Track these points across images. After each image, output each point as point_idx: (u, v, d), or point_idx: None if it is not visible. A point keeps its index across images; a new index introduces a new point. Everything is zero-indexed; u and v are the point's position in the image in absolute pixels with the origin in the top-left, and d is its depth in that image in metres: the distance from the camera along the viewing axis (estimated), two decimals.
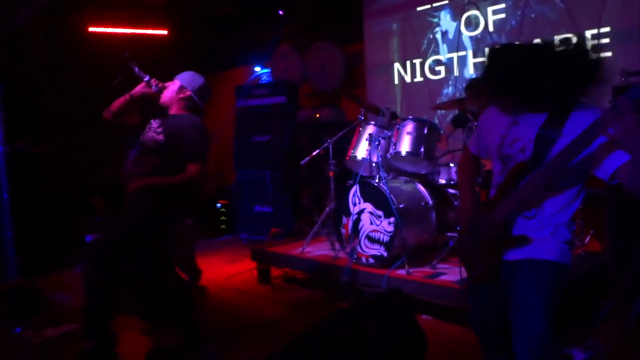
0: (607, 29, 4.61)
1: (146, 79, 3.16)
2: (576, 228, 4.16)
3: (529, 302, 2.00)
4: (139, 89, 3.17)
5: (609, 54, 4.59)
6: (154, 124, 3.12)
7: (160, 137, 3.04)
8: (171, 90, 3.18)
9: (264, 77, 7.43)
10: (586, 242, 4.19)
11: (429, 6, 5.84)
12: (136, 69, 3.13)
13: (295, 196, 6.28)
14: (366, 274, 3.95)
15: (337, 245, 4.42)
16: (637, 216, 3.40)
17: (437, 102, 5.45)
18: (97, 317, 2.92)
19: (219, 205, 7.20)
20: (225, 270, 5.33)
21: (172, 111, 3.19)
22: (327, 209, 4.66)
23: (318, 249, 4.68)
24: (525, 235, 2.04)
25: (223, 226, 7.18)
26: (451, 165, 4.08)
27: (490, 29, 5.37)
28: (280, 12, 6.66)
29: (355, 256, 4.07)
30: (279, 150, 6.34)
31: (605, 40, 4.62)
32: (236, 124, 6.69)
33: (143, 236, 3.02)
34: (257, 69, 7.76)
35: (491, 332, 2.33)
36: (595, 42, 4.65)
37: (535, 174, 1.97)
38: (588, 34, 4.72)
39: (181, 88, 3.17)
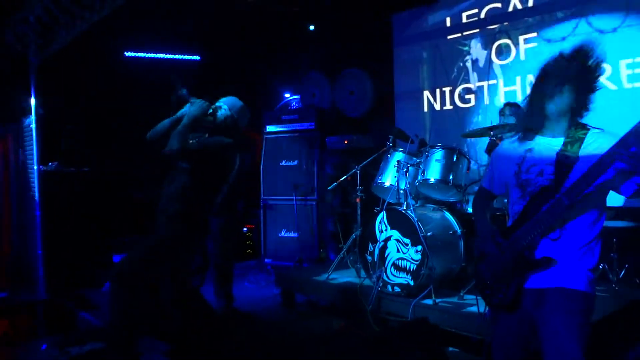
0: None
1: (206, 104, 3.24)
2: (610, 262, 4.07)
3: (559, 328, 1.98)
4: (194, 111, 3.16)
5: None
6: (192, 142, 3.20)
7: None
8: (215, 112, 3.32)
9: (294, 103, 7.52)
10: (621, 276, 4.07)
11: (459, 34, 5.86)
12: (184, 92, 3.21)
13: (321, 222, 6.28)
14: (392, 302, 3.91)
15: (362, 273, 4.39)
16: None
17: (467, 130, 5.42)
18: (122, 337, 2.95)
19: (245, 229, 7.24)
20: (249, 294, 5.33)
21: (208, 131, 3.29)
22: (353, 235, 4.65)
23: (343, 276, 4.65)
24: (549, 258, 2.03)
25: (249, 250, 7.21)
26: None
27: (522, 57, 5.35)
28: (311, 28, 6.73)
29: (381, 284, 4.03)
30: (306, 176, 6.38)
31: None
32: (264, 148, 6.77)
33: (170, 254, 3.08)
34: (287, 95, 7.87)
35: None
36: (631, 71, 4.61)
37: (558, 197, 1.97)
38: (623, 63, 4.67)
39: (224, 110, 3.35)
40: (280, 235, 6.56)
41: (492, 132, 3.99)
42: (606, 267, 4.03)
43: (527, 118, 2.20)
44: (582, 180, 1.93)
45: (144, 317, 3.15)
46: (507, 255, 2.15)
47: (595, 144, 2.00)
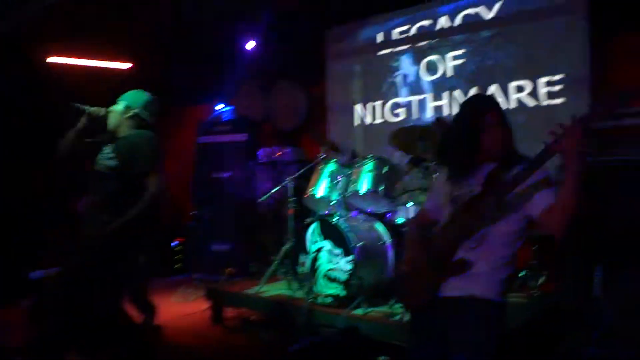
0: (559, 77, 4.82)
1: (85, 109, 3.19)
2: (531, 269, 4.25)
3: (468, 339, 2.05)
4: (82, 121, 3.19)
5: (561, 100, 4.80)
6: (105, 150, 3.12)
7: (112, 161, 3.05)
8: (116, 112, 3.23)
9: (227, 115, 7.44)
10: (540, 283, 4.25)
11: (390, 50, 6.01)
12: (76, 105, 3.16)
13: (253, 235, 6.20)
14: (323, 313, 3.90)
15: (294, 285, 4.37)
16: (589, 259, 3.50)
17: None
18: (49, 354, 2.81)
19: (174, 243, 7.05)
20: (177, 310, 5.18)
21: (119, 132, 3.21)
22: (285, 247, 4.62)
23: (274, 289, 4.60)
24: (465, 259, 2.10)
25: (178, 265, 7.02)
26: (409, 204, 4.12)
27: (449, 73, 5.55)
28: (247, 47, 6.72)
29: (312, 295, 4.01)
30: (239, 188, 6.30)
31: (559, 87, 4.83)
32: (196, 159, 6.64)
33: (101, 269, 2.95)
34: (220, 106, 7.77)
35: None
36: (549, 89, 4.88)
37: (480, 204, 2.05)
38: (541, 81, 4.94)
39: (127, 108, 3.21)
40: (211, 248, 6.42)
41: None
42: (527, 274, 4.21)
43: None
44: (504, 187, 2.03)
45: (71, 334, 3.01)
46: (428, 259, 2.21)
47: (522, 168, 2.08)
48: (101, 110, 3.24)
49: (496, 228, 2.11)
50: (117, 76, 6.66)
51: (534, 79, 4.99)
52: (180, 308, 5.26)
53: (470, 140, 2.16)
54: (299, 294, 4.23)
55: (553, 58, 4.87)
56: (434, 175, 3.89)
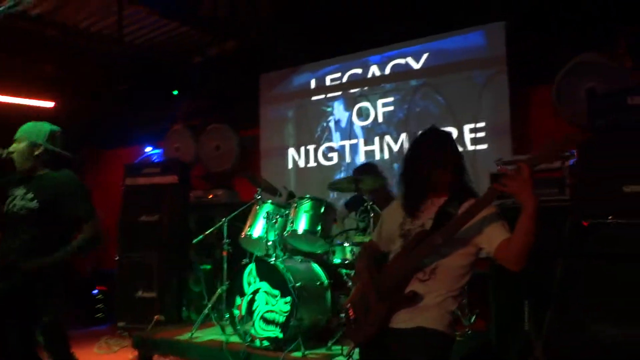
0: (482, 124, 5.14)
1: None
2: (462, 308, 4.37)
3: None
4: None
5: (485, 146, 5.10)
6: (19, 192, 2.92)
7: (33, 203, 2.86)
8: (21, 151, 3.00)
9: (156, 157, 7.29)
10: (472, 321, 4.38)
11: (323, 96, 6.18)
12: None
13: (184, 280, 6.00)
14: (261, 357, 3.80)
15: (229, 329, 4.24)
16: (518, 295, 3.67)
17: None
18: None
19: (95, 291, 6.68)
20: None
21: (32, 172, 3.01)
22: (219, 290, 4.50)
23: (208, 334, 4.43)
24: (415, 292, 2.14)
25: (100, 314, 6.64)
26: (346, 244, 4.16)
27: (380, 119, 5.77)
28: (175, 93, 6.70)
29: (249, 339, 3.91)
30: (168, 232, 6.09)
31: (482, 134, 5.13)
32: (123, 202, 6.39)
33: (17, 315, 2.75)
34: (149, 149, 7.61)
35: None
36: (473, 135, 5.17)
37: (431, 238, 2.12)
38: (466, 128, 5.23)
39: (31, 145, 3.01)
40: (137, 295, 6.12)
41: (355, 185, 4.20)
42: (459, 312, 4.32)
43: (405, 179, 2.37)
44: (453, 223, 2.11)
45: None
46: (378, 291, 2.24)
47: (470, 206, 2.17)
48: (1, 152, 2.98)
49: (446, 262, 2.19)
50: (42, 114, 6.39)
51: (459, 126, 5.28)
52: (104, 359, 4.94)
53: (424, 175, 2.23)
54: (235, 338, 4.11)
55: (476, 107, 5.20)
56: (372, 214, 3.98)
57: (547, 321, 3.22)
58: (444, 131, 2.39)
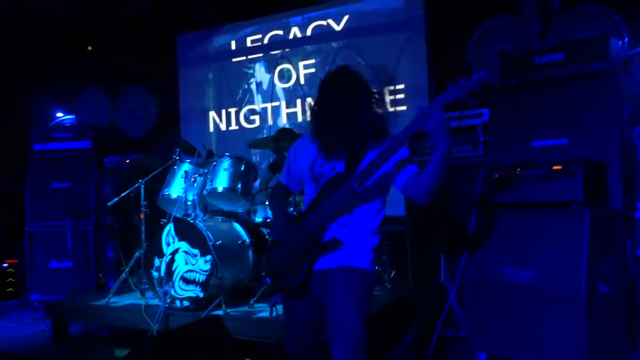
0: (401, 86, 5.23)
1: None
2: (382, 264, 4.49)
3: (344, 301, 2.12)
4: None
5: (404, 107, 5.20)
6: None
7: None
8: None
9: (68, 121, 6.87)
10: (392, 275, 4.51)
11: (244, 58, 6.06)
12: None
13: (100, 248, 5.75)
14: (181, 318, 3.72)
15: (148, 294, 4.13)
16: (434, 250, 3.79)
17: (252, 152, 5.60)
18: None
19: (5, 265, 6.30)
20: (13, 334, 4.61)
21: None
22: (137, 254, 4.36)
23: (126, 299, 4.31)
24: (337, 238, 2.16)
25: (10, 289, 6.27)
26: (267, 203, 4.14)
27: (302, 81, 5.73)
28: (89, 48, 6.34)
29: (169, 300, 3.83)
30: (82, 199, 5.81)
31: (401, 96, 5.22)
32: (30, 169, 6.00)
33: None
34: (60, 114, 7.16)
35: (307, 356, 2.35)
36: (393, 97, 5.25)
37: (348, 181, 2.12)
38: (386, 89, 5.30)
39: None
40: (50, 266, 5.81)
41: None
42: (379, 269, 4.43)
43: (317, 120, 2.33)
44: (369, 166, 2.11)
45: None
46: (299, 240, 2.23)
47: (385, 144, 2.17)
48: None
49: (364, 203, 2.22)
50: None
51: (379, 89, 5.33)
52: (16, 332, 4.69)
53: (341, 116, 2.19)
54: (155, 301, 4.01)
55: (395, 69, 5.27)
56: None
57: (460, 270, 3.35)
58: (354, 71, 2.32)
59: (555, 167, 2.96)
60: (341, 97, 2.19)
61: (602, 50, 3.17)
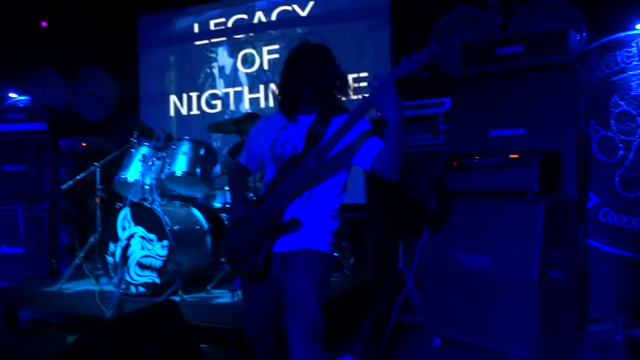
0: (365, 74, 5.22)
1: None
2: (342, 251, 4.50)
3: (302, 284, 2.10)
4: None
5: (367, 95, 5.18)
6: None
7: None
8: None
9: (21, 102, 6.62)
10: (351, 262, 4.53)
11: (207, 41, 5.95)
12: None
13: (53, 233, 5.58)
14: (136, 304, 3.65)
15: (103, 280, 4.04)
16: (393, 236, 3.82)
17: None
18: None
19: None
20: None
21: None
22: (92, 239, 4.24)
23: (80, 285, 4.20)
24: (296, 218, 2.14)
25: None
26: (227, 188, 4.08)
27: (266, 67, 5.67)
28: (44, 24, 6.10)
29: (124, 286, 3.74)
30: (35, 182, 5.62)
31: (364, 84, 5.22)
32: None
33: None
34: (13, 95, 6.89)
35: (267, 340, 2.33)
36: (357, 85, 5.24)
37: (304, 162, 2.10)
38: (350, 77, 5.27)
39: None
40: (0, 252, 5.63)
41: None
42: (339, 255, 4.44)
43: (281, 98, 2.30)
44: (326, 143, 2.09)
45: None
46: (258, 221, 2.20)
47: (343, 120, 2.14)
48: None
49: (322, 184, 2.19)
50: None
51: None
52: None
53: (292, 93, 2.19)
54: (110, 287, 3.91)
55: (359, 56, 5.26)
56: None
57: (418, 256, 3.39)
58: (312, 45, 2.30)
59: (512, 156, 3.00)
60: (312, 61, 2.19)
61: (561, 43, 3.22)
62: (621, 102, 3.61)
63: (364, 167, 2.20)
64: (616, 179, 3.57)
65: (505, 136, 3.41)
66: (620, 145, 3.57)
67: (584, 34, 3.98)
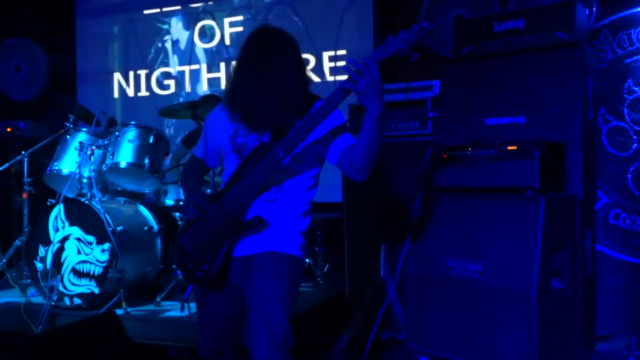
0: (343, 52, 5.25)
1: None
2: (315, 257, 4.52)
3: (268, 292, 2.10)
4: None
5: (346, 76, 5.20)
6: None
7: None
8: None
9: None
10: (325, 269, 4.56)
11: (158, 10, 5.91)
12: None
13: None
14: (70, 318, 3.62)
15: (31, 291, 4.01)
16: (374, 240, 3.85)
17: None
18: None
19: None
20: None
21: None
22: (18, 241, 4.20)
23: (3, 297, 4.18)
24: (260, 217, 2.14)
25: None
26: (180, 181, 4.07)
27: (227, 42, 5.65)
28: None
29: (55, 297, 3.72)
30: None
31: (343, 63, 5.24)
32: None
33: None
34: None
35: (224, 357, 2.33)
36: (333, 64, 5.27)
37: (273, 150, 2.10)
38: (326, 55, 5.31)
39: None
40: None
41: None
42: (311, 262, 4.47)
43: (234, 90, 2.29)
44: (297, 132, 2.09)
45: None
46: (215, 220, 2.20)
47: (314, 107, 2.17)
48: None
49: (291, 177, 2.20)
50: None
51: (317, 53, 5.34)
52: None
53: (257, 80, 2.17)
54: (38, 299, 3.88)
55: (337, 32, 5.28)
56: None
57: (401, 262, 3.41)
58: (280, 30, 2.28)
59: (510, 148, 3.03)
60: (264, 63, 2.16)
61: (567, 19, 3.26)
62: (635, 88, 3.68)
63: (331, 162, 2.23)
64: (629, 175, 3.64)
65: (503, 125, 3.43)
66: (635, 137, 3.64)
67: (594, 9, 4.04)
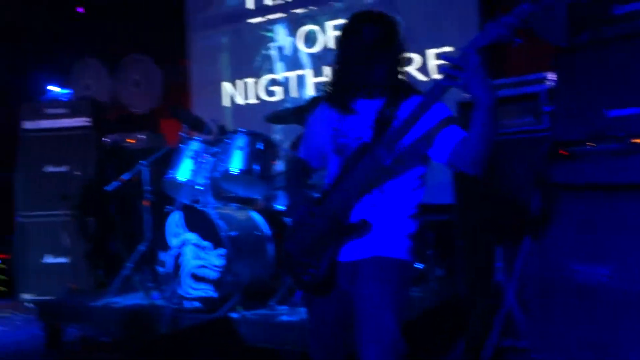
0: (448, 49, 5.08)
1: None
2: (427, 260, 4.40)
3: (375, 297, 2.04)
4: None
5: None
6: None
7: None
8: None
9: (63, 96, 6.94)
10: (438, 274, 4.42)
11: (262, 18, 6.01)
12: None
13: (100, 240, 5.82)
14: (191, 320, 3.73)
15: (154, 294, 4.16)
16: (488, 241, 3.69)
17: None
18: None
19: None
20: (1, 339, 4.70)
21: None
22: (141, 247, 4.37)
23: (129, 299, 4.34)
24: (365, 220, 2.08)
25: (1, 288, 6.40)
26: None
27: (331, 45, 5.64)
28: (80, 10, 6.37)
29: (176, 301, 3.83)
30: (80, 184, 5.87)
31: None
32: (20, 151, 6.07)
33: None
34: (55, 88, 7.22)
35: None
36: (439, 62, 5.12)
37: (373, 152, 2.05)
38: (430, 53, 5.17)
39: None
40: (43, 262, 5.91)
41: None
42: (424, 266, 4.35)
43: (341, 81, 2.25)
44: (399, 129, 2.03)
45: None
46: (320, 223, 2.16)
47: (415, 103, 2.08)
48: None
49: (396, 177, 2.12)
50: None
51: (421, 52, 5.21)
52: (5, 336, 4.79)
53: (355, 73, 2.13)
54: (161, 301, 4.02)
55: (441, 28, 5.13)
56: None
57: (521, 265, 3.26)
58: (376, 14, 2.23)
59: (635, 141, 2.82)
60: (359, 49, 2.12)
61: None
62: None
63: (440, 161, 2.12)
64: None
65: (626, 116, 3.20)
66: None
67: None
